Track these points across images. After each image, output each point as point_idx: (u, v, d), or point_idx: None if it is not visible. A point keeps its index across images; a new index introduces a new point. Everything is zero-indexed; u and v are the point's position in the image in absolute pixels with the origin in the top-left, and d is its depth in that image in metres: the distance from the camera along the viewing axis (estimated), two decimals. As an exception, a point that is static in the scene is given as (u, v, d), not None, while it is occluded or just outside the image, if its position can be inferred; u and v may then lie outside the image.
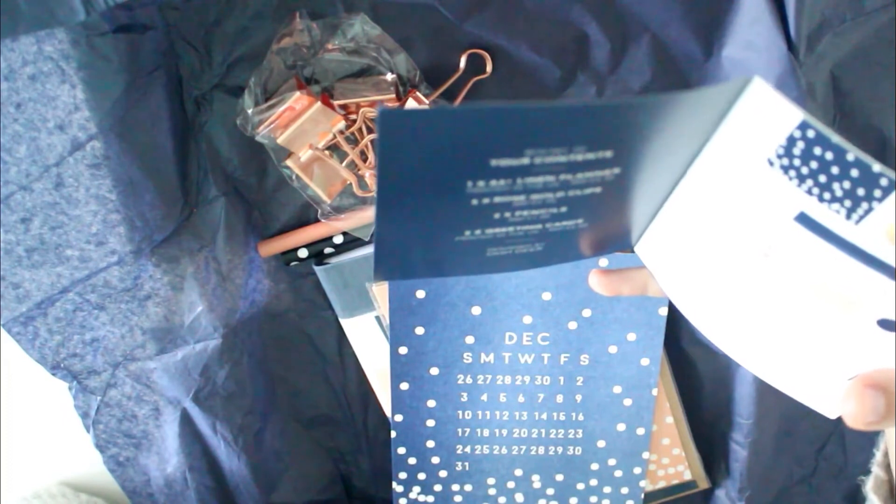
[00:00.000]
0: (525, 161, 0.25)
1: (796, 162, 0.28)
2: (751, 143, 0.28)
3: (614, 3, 0.46)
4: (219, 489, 0.56)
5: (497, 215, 0.29)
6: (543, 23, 0.47)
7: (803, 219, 0.29)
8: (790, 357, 0.33)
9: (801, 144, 0.27)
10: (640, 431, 0.57)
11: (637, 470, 0.59)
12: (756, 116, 0.28)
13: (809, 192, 0.28)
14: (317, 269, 0.53)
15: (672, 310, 0.54)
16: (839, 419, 0.58)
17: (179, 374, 0.51)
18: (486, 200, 0.27)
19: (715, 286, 0.34)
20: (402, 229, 0.29)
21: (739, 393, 0.56)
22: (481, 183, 0.26)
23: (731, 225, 0.31)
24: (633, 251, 0.37)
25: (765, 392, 0.55)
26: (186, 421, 0.53)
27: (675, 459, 0.59)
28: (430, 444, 0.58)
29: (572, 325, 0.54)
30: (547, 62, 0.48)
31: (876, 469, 0.40)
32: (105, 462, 0.54)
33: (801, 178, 0.28)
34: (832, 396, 0.32)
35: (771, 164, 0.28)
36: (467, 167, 0.25)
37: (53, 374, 0.51)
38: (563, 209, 0.29)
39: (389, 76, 0.47)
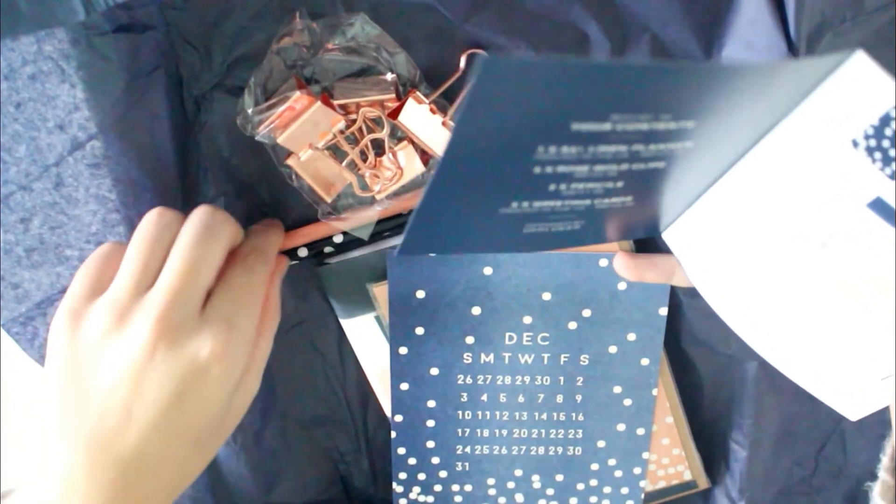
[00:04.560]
0: (606, 127, 0.25)
1: (885, 143, 0.26)
2: (835, 122, 0.27)
3: (614, 3, 0.46)
4: (217, 488, 0.56)
5: (552, 187, 0.28)
6: (543, 23, 0.47)
7: (877, 205, 0.28)
8: (821, 353, 0.32)
9: (895, 125, 0.26)
10: (640, 431, 0.57)
11: (637, 470, 0.58)
12: (849, 93, 0.26)
13: (892, 175, 0.27)
14: (317, 269, 0.53)
15: (672, 310, 0.54)
16: (840, 419, 0.58)
17: (179, 374, 0.51)
18: (549, 169, 0.26)
19: (755, 276, 0.33)
20: (452, 195, 0.28)
21: (739, 393, 0.56)
22: (553, 149, 0.25)
23: (790, 210, 0.30)
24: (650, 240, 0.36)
25: (765, 392, 0.55)
26: (186, 421, 0.53)
27: (675, 459, 0.59)
28: (430, 444, 0.58)
29: (572, 325, 0.54)
30: (547, 62, 0.48)
31: (883, 474, 0.40)
32: (105, 462, 0.54)
33: (887, 161, 0.27)
34: (859, 396, 0.32)
35: (855, 144, 0.27)
36: (547, 129, 0.25)
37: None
38: (619, 184, 0.29)
39: (389, 76, 0.47)
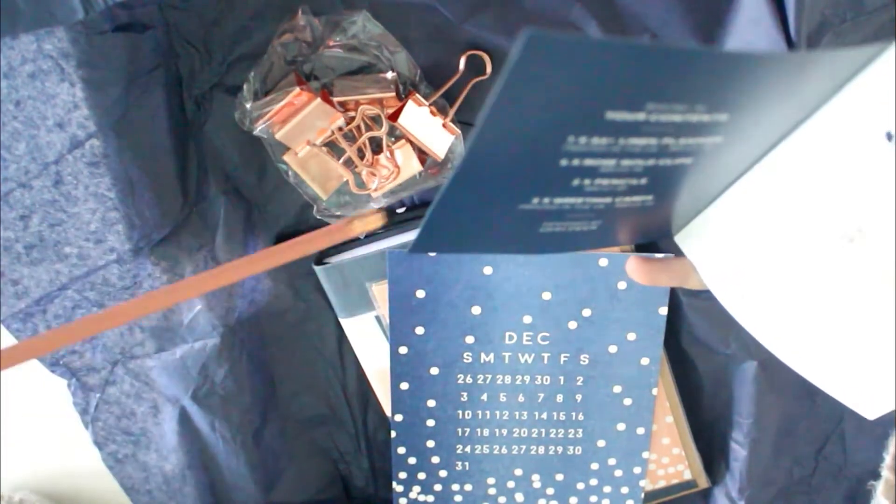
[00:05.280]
0: (640, 117, 0.24)
1: None
2: (869, 114, 0.27)
3: (614, 3, 0.46)
4: (217, 487, 0.56)
5: (576, 181, 0.27)
6: (543, 23, 0.47)
7: None
8: (842, 351, 0.31)
9: None
10: (640, 431, 0.57)
11: (637, 469, 0.58)
12: (885, 84, 0.26)
13: None
14: (317, 268, 0.53)
15: (672, 309, 0.54)
16: (840, 419, 0.58)
17: (178, 373, 0.51)
18: (576, 162, 0.25)
19: (776, 276, 0.32)
20: (473, 189, 0.27)
21: (739, 393, 0.56)
22: (583, 139, 0.24)
23: (815, 206, 0.30)
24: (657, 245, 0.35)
25: (765, 392, 0.54)
26: (185, 419, 0.53)
27: (675, 459, 0.59)
28: (430, 443, 0.58)
29: (572, 325, 0.54)
30: (546, 61, 0.48)
31: (885, 472, 0.40)
32: (104, 459, 0.54)
33: None
34: (878, 394, 0.31)
35: (889, 137, 0.27)
36: (580, 118, 0.23)
37: (52, 371, 0.51)
38: (643, 181, 0.28)
39: (390, 74, 0.47)
